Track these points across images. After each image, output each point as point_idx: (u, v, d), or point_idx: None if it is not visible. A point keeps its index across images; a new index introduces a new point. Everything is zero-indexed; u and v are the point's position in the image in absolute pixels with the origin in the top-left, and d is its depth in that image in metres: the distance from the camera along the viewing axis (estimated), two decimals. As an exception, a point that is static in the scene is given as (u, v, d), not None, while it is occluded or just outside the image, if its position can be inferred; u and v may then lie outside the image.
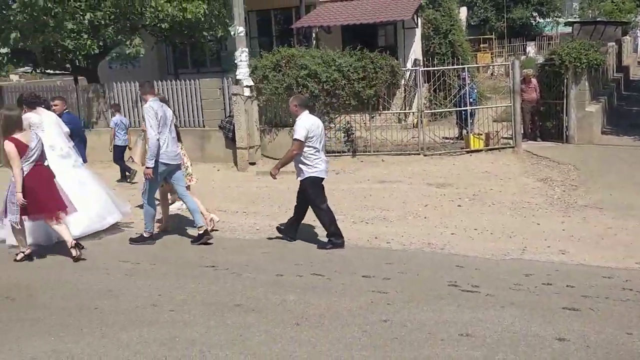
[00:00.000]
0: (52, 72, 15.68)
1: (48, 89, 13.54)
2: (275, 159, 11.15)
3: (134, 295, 4.61)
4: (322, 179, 5.88)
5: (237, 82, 10.80)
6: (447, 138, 11.79)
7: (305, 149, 5.74)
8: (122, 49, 12.15)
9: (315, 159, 5.78)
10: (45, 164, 5.74)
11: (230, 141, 11.16)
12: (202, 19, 11.42)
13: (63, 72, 15.88)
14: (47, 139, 6.26)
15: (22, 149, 5.42)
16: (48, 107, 7.08)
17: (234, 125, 10.91)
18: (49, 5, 9.90)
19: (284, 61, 10.66)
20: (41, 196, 5.53)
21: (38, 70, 14.52)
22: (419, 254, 5.70)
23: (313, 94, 10.20)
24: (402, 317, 3.95)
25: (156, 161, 5.84)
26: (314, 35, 14.95)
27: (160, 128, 5.89)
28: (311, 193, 5.84)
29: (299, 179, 5.91)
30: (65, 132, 6.75)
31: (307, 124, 5.76)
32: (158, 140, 5.84)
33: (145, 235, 6.22)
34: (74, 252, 5.54)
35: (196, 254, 5.78)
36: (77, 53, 11.54)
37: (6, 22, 10.65)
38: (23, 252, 5.68)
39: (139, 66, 15.37)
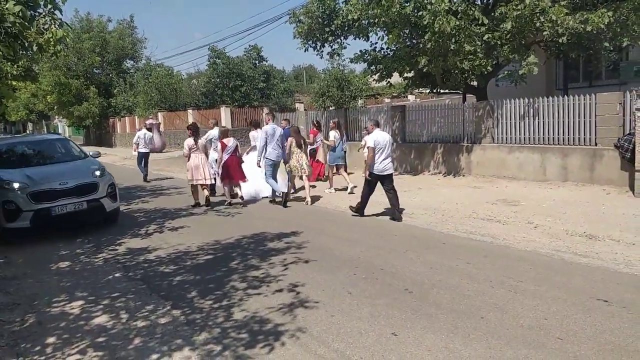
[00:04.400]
0: (443, 91, 17.15)
1: (436, 107, 14.99)
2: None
3: (518, 313, 4.58)
4: (376, 175, 8.68)
5: (643, 94, 9.47)
6: None
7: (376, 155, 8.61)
8: (514, 66, 12.22)
9: (377, 161, 8.62)
10: (237, 155, 10.73)
11: (627, 162, 9.88)
12: (605, 29, 10.41)
13: (453, 91, 17.18)
14: (257, 144, 11.47)
15: (224, 146, 10.61)
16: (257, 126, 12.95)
17: (633, 145, 9.61)
18: (454, 32, 10.84)
19: None
20: (232, 171, 10.59)
21: (434, 91, 16.09)
22: None
23: None
24: None
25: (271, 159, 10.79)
26: None
27: (268, 140, 10.63)
28: (366, 183, 8.88)
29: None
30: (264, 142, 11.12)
31: (375, 137, 8.63)
32: (263, 147, 10.70)
33: (277, 199, 10.89)
34: (233, 200, 10.98)
35: (586, 283, 5.32)
36: (471, 73, 12.20)
37: (417, 50, 12.22)
38: (229, 201, 10.90)
39: (526, 82, 15.24)
